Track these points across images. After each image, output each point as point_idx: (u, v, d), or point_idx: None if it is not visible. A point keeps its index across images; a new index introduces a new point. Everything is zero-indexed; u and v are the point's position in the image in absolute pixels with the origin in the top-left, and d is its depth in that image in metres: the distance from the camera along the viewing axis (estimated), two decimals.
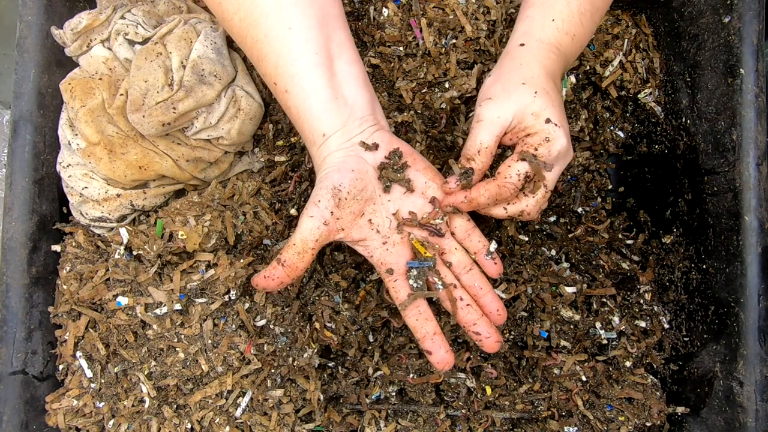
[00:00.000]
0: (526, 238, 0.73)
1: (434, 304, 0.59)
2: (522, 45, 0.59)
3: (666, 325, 0.73)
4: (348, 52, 0.57)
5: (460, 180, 0.56)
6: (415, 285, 0.57)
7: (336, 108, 0.55)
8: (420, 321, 0.57)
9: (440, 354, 0.56)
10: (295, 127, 0.58)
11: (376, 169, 0.57)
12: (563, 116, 0.57)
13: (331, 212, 0.54)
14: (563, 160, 0.57)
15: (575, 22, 0.60)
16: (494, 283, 0.68)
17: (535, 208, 0.57)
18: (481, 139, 0.56)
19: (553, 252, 0.74)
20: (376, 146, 0.56)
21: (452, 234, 0.59)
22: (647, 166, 0.80)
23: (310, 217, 0.54)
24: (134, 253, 0.67)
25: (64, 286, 0.68)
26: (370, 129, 0.57)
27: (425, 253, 0.57)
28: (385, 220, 0.57)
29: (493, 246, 0.59)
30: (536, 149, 0.55)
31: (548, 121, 0.55)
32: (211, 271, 0.67)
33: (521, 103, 0.56)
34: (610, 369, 0.71)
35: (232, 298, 0.67)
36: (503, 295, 0.67)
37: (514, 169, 0.55)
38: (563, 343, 0.69)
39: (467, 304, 0.57)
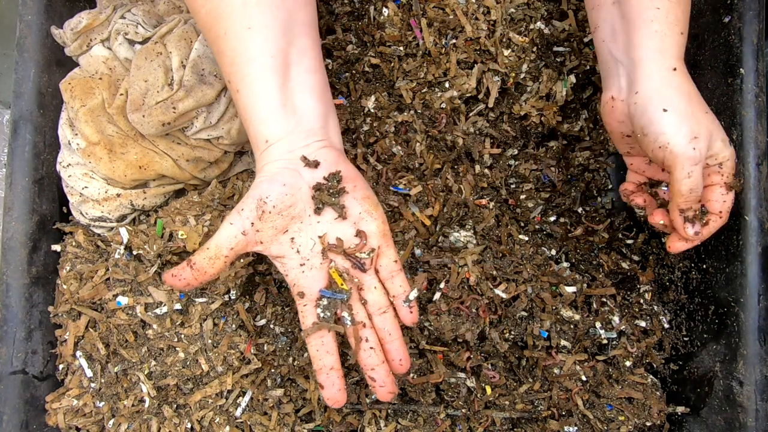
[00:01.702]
0: (526, 238, 0.73)
1: (341, 336, 0.57)
2: (675, 69, 0.55)
3: (666, 325, 0.73)
4: (309, 60, 0.55)
5: (701, 224, 0.57)
6: (322, 315, 0.55)
7: (284, 115, 0.53)
8: (320, 352, 0.55)
9: (332, 391, 0.55)
10: (245, 128, 0.56)
11: (311, 187, 0.54)
12: None
13: (252, 223, 0.52)
14: None
15: (688, 21, 0.57)
16: (494, 282, 0.68)
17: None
18: (701, 179, 0.55)
19: (553, 252, 0.74)
20: (316, 164, 0.54)
21: (376, 272, 0.57)
22: None
23: (230, 224, 0.52)
24: (134, 252, 0.67)
25: (64, 286, 0.68)
26: (316, 144, 0.55)
27: (342, 284, 0.55)
28: (309, 241, 0.55)
29: (413, 294, 0.57)
30: (732, 174, 0.57)
31: (726, 142, 0.56)
32: None
33: (713, 133, 0.55)
34: (610, 369, 0.71)
35: (232, 297, 0.67)
36: (503, 295, 0.67)
37: (730, 200, 0.58)
38: (563, 342, 0.69)
39: (371, 347, 0.55)
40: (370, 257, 0.56)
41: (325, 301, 0.55)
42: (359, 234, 0.56)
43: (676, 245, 0.59)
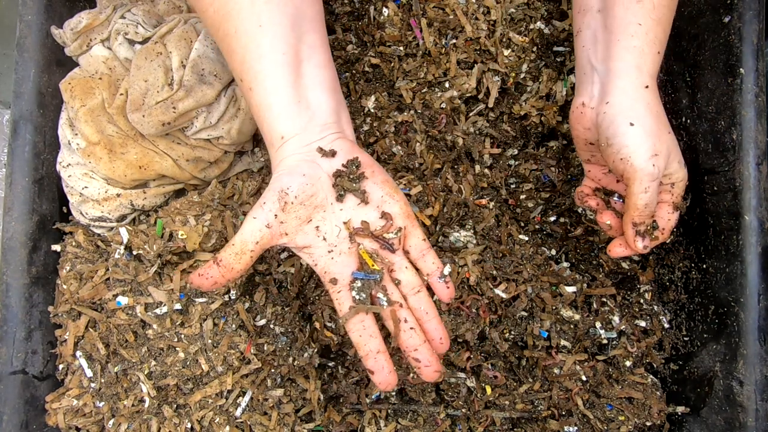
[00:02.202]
0: (526, 238, 0.73)
1: (381, 320, 0.57)
2: (647, 87, 0.57)
3: (666, 325, 0.73)
4: (319, 55, 0.56)
5: (651, 239, 0.58)
6: (357, 297, 0.54)
7: (297, 111, 0.54)
8: (364, 337, 0.54)
9: (383, 374, 0.54)
10: (258, 126, 0.57)
11: (330, 176, 0.55)
12: None
13: (275, 215, 0.52)
14: None
15: (665, 44, 0.59)
16: (494, 282, 0.68)
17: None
18: (652, 197, 0.56)
19: (553, 252, 0.74)
20: (333, 153, 0.55)
21: (406, 253, 0.57)
22: None
23: (254, 218, 0.52)
24: (134, 252, 0.67)
25: (64, 286, 0.68)
26: (331, 136, 0.55)
27: (373, 265, 0.55)
28: (334, 228, 0.55)
29: (447, 269, 0.57)
30: (681, 196, 0.59)
31: (682, 164, 0.58)
32: None
33: (672, 153, 0.57)
34: (610, 369, 0.71)
35: (232, 297, 0.67)
36: (503, 295, 0.67)
37: (674, 220, 0.60)
38: (563, 342, 0.69)
39: (411, 327, 0.55)
40: (398, 237, 0.56)
41: (359, 283, 0.54)
42: (384, 216, 0.56)
43: (616, 250, 0.60)
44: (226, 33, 0.54)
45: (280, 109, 0.54)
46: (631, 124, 0.55)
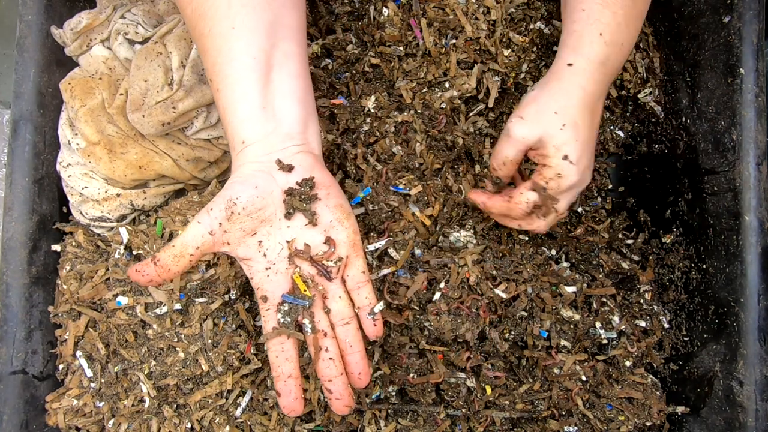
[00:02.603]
0: (526, 238, 0.73)
1: (303, 345, 0.57)
2: (570, 65, 0.58)
3: (666, 325, 0.73)
4: (293, 64, 0.55)
5: (492, 186, 0.63)
6: (282, 320, 0.54)
7: (262, 118, 0.53)
8: (280, 358, 0.54)
9: (289, 399, 0.54)
10: (223, 129, 0.56)
11: (283, 192, 0.54)
12: (585, 149, 0.59)
13: (220, 224, 0.52)
14: (574, 190, 0.60)
15: (622, 31, 0.59)
16: (494, 282, 0.68)
17: (545, 227, 0.62)
18: (506, 153, 0.60)
19: (553, 252, 0.74)
20: (290, 168, 0.54)
21: (343, 281, 0.57)
22: (647, 166, 0.80)
23: (198, 223, 0.52)
24: (134, 252, 0.67)
25: (64, 286, 0.68)
26: (294, 148, 0.54)
27: (305, 291, 0.54)
28: (277, 245, 0.55)
29: (379, 307, 0.57)
30: (547, 182, 0.58)
31: (565, 157, 0.57)
32: (211, 271, 0.66)
33: (548, 132, 0.57)
34: (610, 369, 0.71)
35: (232, 297, 0.67)
36: (503, 295, 0.67)
37: (525, 197, 0.59)
38: (563, 342, 0.69)
39: (330, 358, 0.55)
40: (337, 266, 0.55)
41: (286, 306, 0.54)
42: (328, 241, 0.55)
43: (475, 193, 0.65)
44: (201, 33, 0.53)
45: (245, 114, 0.53)
46: (531, 89, 0.60)
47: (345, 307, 0.56)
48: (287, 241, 0.55)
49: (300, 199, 0.54)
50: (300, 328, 0.55)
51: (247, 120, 0.53)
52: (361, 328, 0.57)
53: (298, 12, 0.56)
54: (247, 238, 0.53)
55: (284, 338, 0.54)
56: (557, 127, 0.57)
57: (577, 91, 0.58)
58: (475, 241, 0.71)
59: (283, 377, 0.54)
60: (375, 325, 0.57)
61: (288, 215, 0.54)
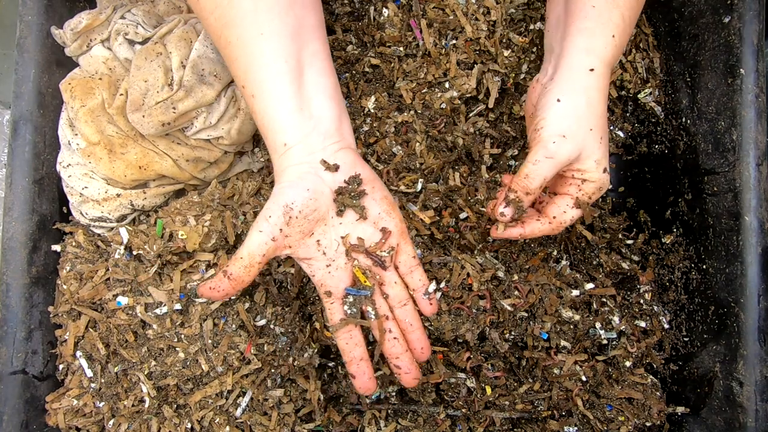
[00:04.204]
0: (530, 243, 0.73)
1: (366, 329, 0.60)
2: (592, 70, 0.56)
3: (666, 325, 0.73)
4: (321, 63, 0.57)
5: (515, 213, 0.56)
6: (348, 311, 0.58)
7: (300, 119, 0.55)
8: (349, 345, 0.58)
9: (363, 380, 0.58)
10: (260, 133, 0.58)
11: (332, 191, 0.57)
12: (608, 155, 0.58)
13: (281, 229, 0.54)
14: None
15: (627, 34, 0.58)
16: (495, 283, 0.68)
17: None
18: (546, 174, 0.55)
19: (554, 252, 0.74)
20: (336, 167, 0.56)
21: (396, 268, 0.60)
22: (647, 166, 0.80)
23: (260, 231, 0.53)
24: (134, 252, 0.67)
25: (64, 286, 0.68)
26: (334, 146, 0.56)
27: (365, 282, 0.58)
28: (333, 242, 0.57)
29: (432, 287, 0.60)
30: (590, 197, 0.58)
31: (605, 170, 0.57)
32: (211, 271, 0.67)
33: (589, 148, 0.56)
34: (610, 369, 0.71)
35: (232, 297, 0.67)
36: (507, 306, 0.67)
37: (570, 215, 0.58)
38: (563, 343, 0.69)
39: (394, 337, 0.58)
40: (390, 255, 0.59)
41: (350, 299, 0.58)
42: (383, 231, 0.58)
43: (495, 230, 0.59)
44: (227, 41, 0.54)
45: (284, 118, 0.54)
46: (558, 100, 0.56)
47: (401, 291, 0.59)
48: (342, 237, 0.58)
49: (350, 197, 0.56)
50: (363, 315, 0.58)
51: (286, 123, 0.55)
52: (416, 307, 0.60)
53: (317, 11, 0.58)
54: (306, 239, 0.56)
55: (352, 327, 0.58)
56: (597, 142, 0.56)
57: (601, 99, 0.57)
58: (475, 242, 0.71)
59: (356, 361, 0.58)
60: (431, 304, 0.60)
61: (340, 212, 0.57)
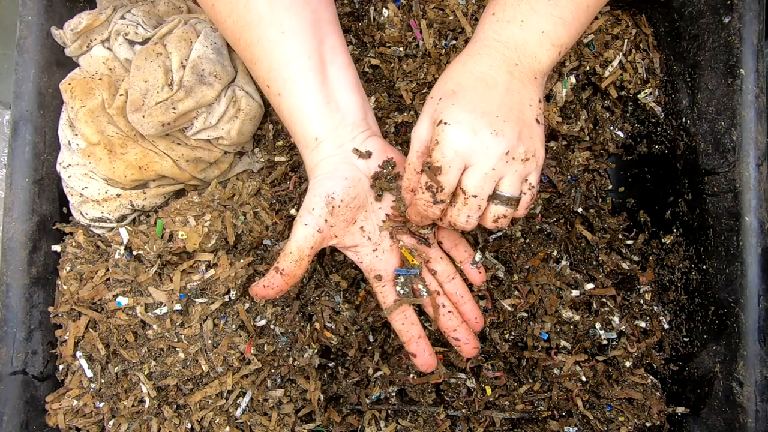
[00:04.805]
0: (527, 239, 0.73)
1: (418, 308, 0.61)
2: (478, 54, 0.53)
3: (666, 326, 0.73)
4: (341, 56, 0.58)
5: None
6: (401, 291, 0.59)
7: (328, 112, 0.56)
8: (406, 325, 0.59)
9: (424, 357, 0.59)
10: (288, 130, 0.59)
11: (368, 177, 0.58)
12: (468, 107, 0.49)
13: (325, 220, 0.55)
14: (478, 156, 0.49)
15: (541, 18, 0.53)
16: (495, 283, 0.68)
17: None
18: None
19: (554, 252, 0.74)
20: (369, 154, 0.57)
21: (439, 244, 0.61)
22: (647, 166, 0.80)
23: (305, 224, 0.54)
24: (134, 253, 0.67)
25: (64, 286, 0.68)
26: (362, 135, 0.58)
27: (413, 261, 0.59)
28: (376, 227, 0.59)
29: (479, 256, 0.62)
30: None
31: (439, 123, 0.49)
32: (211, 271, 0.67)
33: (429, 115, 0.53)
34: (610, 369, 0.71)
35: (232, 298, 0.67)
36: (507, 306, 0.67)
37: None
38: (563, 343, 0.69)
39: (449, 311, 0.59)
40: (432, 231, 0.60)
41: (401, 279, 0.59)
42: None
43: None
44: (248, 42, 0.55)
45: (312, 113, 0.55)
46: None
47: (447, 265, 0.61)
48: (383, 221, 0.59)
49: (386, 180, 0.57)
50: (414, 294, 0.59)
51: (316, 118, 0.56)
52: (463, 280, 0.61)
53: (331, 5, 0.59)
54: (350, 226, 0.57)
55: (406, 307, 0.59)
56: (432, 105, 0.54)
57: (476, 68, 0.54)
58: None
59: (414, 339, 0.59)
60: (480, 273, 0.62)
61: (378, 197, 0.58)
